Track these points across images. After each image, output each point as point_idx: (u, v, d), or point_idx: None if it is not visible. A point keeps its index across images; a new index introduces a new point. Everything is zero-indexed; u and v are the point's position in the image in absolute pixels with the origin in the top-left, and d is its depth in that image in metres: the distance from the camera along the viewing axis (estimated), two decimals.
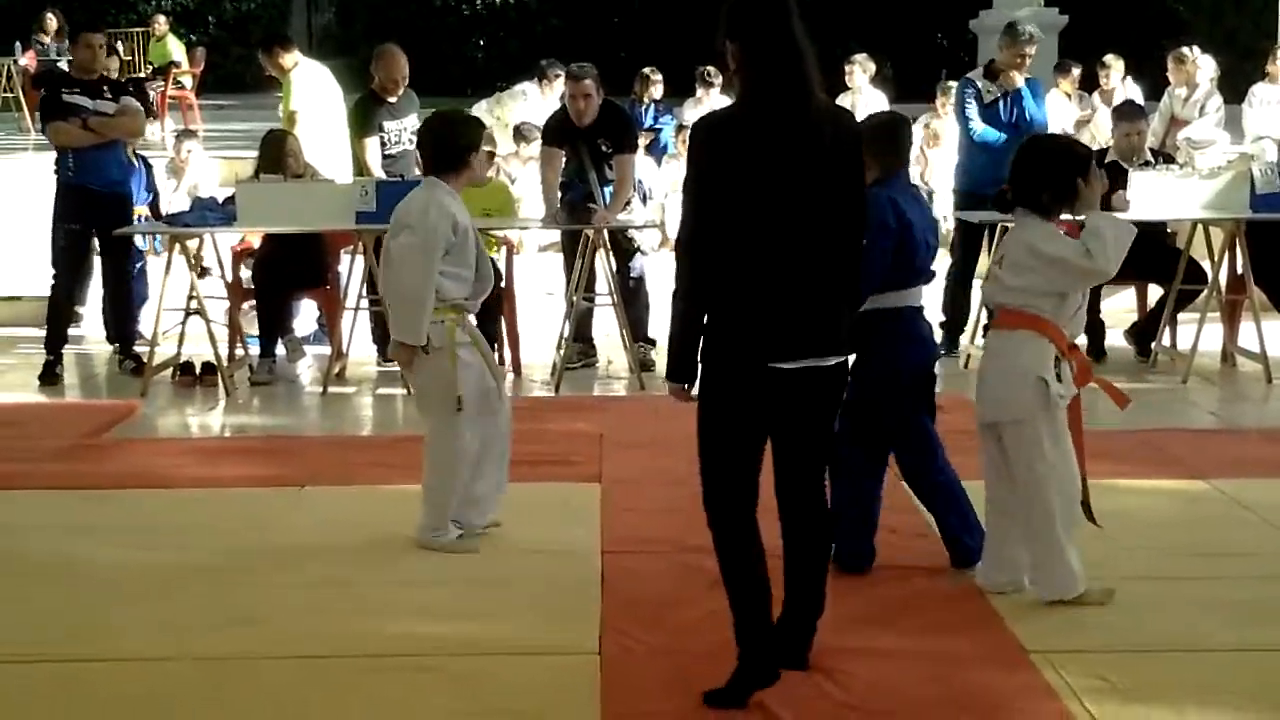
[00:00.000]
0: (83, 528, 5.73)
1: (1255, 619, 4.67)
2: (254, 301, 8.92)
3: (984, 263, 8.63)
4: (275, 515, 5.89)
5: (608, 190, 8.50)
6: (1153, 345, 8.76)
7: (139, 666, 4.43)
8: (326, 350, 8.78)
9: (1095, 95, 13.70)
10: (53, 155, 8.77)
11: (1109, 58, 13.92)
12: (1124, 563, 5.14)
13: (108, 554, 5.40)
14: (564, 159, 8.64)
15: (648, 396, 7.98)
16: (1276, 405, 7.99)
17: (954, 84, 11.53)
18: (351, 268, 8.63)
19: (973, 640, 4.50)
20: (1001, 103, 8.84)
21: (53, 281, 8.71)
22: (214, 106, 21.18)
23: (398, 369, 7.07)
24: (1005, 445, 4.73)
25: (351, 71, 12.38)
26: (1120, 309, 9.40)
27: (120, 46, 17.97)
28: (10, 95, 19.97)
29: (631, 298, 8.60)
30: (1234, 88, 12.92)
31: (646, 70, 13.94)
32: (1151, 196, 8.30)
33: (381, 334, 8.46)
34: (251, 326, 8.94)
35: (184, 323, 8.38)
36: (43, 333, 8.72)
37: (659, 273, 8.74)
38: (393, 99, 9.04)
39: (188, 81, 19.55)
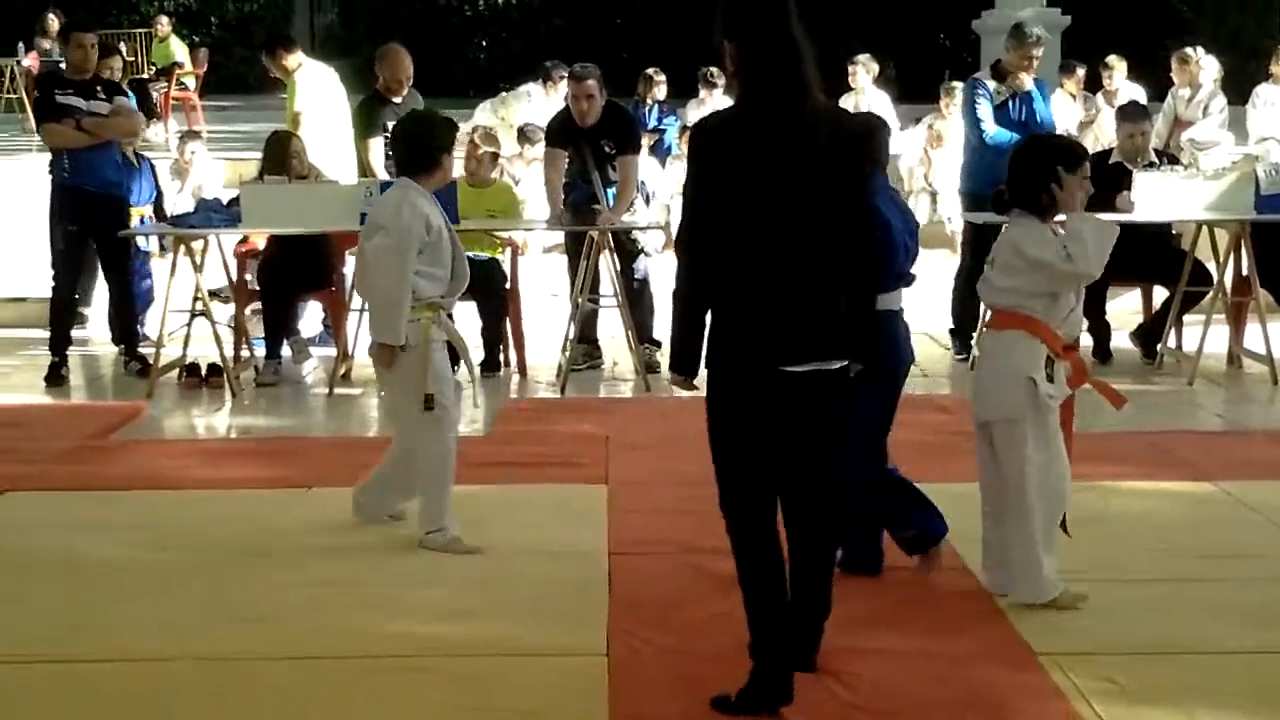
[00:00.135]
0: (86, 527, 5.72)
1: (1263, 621, 4.66)
2: (259, 303, 8.93)
3: None
4: (281, 516, 5.88)
5: (611, 191, 8.49)
6: (1158, 347, 8.76)
7: (140, 665, 4.42)
8: (332, 351, 8.77)
9: (1099, 96, 13.67)
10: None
11: (1111, 58, 13.89)
12: (1131, 565, 5.15)
13: (110, 553, 5.40)
14: (567, 160, 8.63)
15: (653, 398, 7.98)
16: None
17: (957, 84, 11.55)
18: (356, 269, 8.61)
19: (980, 641, 4.50)
20: (1011, 104, 8.82)
21: (53, 283, 8.70)
22: (217, 108, 21.16)
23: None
24: (995, 445, 4.73)
25: (354, 72, 12.36)
26: (1126, 311, 9.41)
27: (123, 47, 17.92)
28: (13, 96, 19.97)
29: (636, 299, 8.60)
30: (1237, 88, 12.87)
31: (650, 71, 13.91)
32: (1156, 198, 8.30)
33: None
34: (257, 328, 8.94)
35: (190, 324, 8.38)
36: (48, 334, 8.72)
37: (663, 274, 8.73)
38: (397, 99, 9.01)
39: (191, 82, 19.51)
